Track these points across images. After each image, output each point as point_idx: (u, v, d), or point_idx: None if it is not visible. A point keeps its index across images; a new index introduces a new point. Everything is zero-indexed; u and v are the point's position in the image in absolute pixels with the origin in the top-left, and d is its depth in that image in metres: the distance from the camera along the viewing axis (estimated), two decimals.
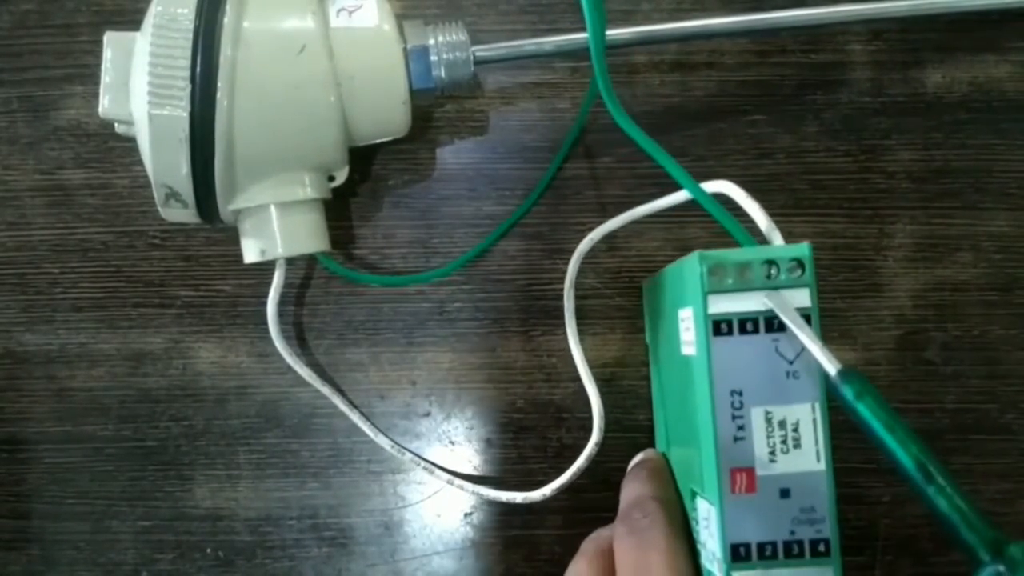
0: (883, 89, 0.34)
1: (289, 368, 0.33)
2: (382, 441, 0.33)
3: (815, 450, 0.21)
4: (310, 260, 0.33)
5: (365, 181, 0.34)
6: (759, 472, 0.21)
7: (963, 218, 0.33)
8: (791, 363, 0.21)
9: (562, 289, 0.33)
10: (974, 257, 0.33)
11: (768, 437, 0.21)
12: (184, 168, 0.26)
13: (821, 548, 0.21)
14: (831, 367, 0.20)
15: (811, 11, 0.31)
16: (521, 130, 0.34)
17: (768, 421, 0.21)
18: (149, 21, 0.26)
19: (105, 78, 0.27)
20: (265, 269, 0.32)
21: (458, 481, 0.32)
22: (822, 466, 0.21)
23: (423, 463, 0.33)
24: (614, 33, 0.30)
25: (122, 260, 0.34)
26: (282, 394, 0.33)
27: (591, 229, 0.32)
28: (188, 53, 0.26)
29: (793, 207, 0.33)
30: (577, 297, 0.33)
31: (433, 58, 0.29)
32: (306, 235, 0.30)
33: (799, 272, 0.21)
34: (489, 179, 0.34)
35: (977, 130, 0.34)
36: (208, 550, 0.33)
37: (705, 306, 0.21)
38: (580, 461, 0.31)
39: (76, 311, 0.34)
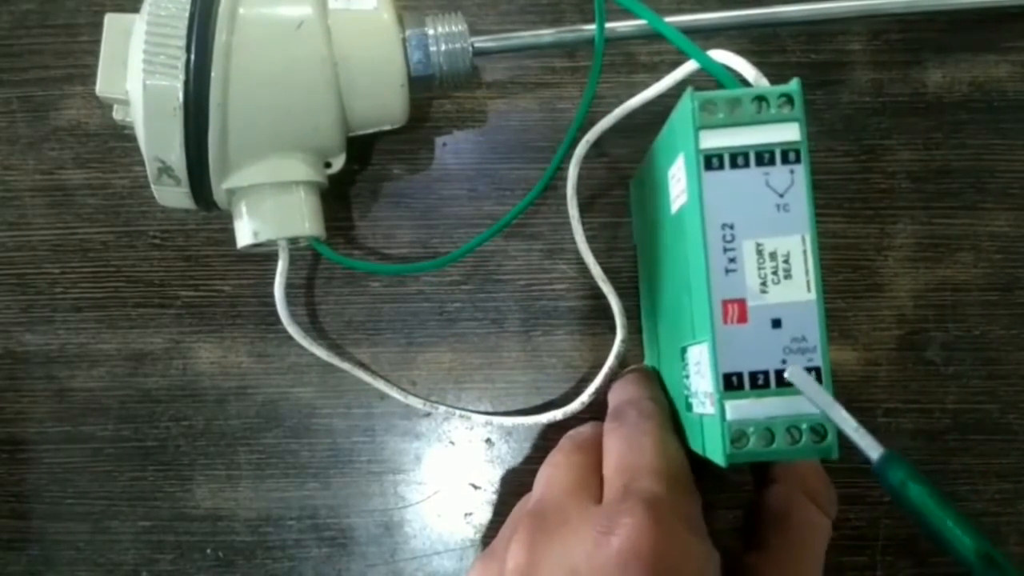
0: (883, 89, 0.34)
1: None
2: (412, 402, 0.32)
3: (805, 280, 0.21)
4: (311, 261, 0.33)
5: (365, 182, 0.34)
6: (750, 303, 0.21)
7: (964, 218, 0.33)
8: (781, 196, 0.21)
9: (562, 289, 0.33)
10: (975, 257, 0.33)
11: (759, 269, 0.21)
12: (177, 140, 0.26)
13: (813, 376, 0.21)
14: (873, 452, 0.20)
15: (812, 6, 0.31)
16: (521, 130, 0.34)
17: (759, 253, 0.21)
18: None
19: (103, 57, 0.27)
20: (265, 268, 0.32)
21: (497, 419, 0.32)
22: (813, 296, 0.21)
23: (458, 411, 0.33)
24: (614, 26, 0.30)
25: (122, 260, 0.34)
26: (282, 394, 0.33)
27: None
28: (185, 23, 0.26)
29: None
30: (577, 297, 0.33)
31: (432, 48, 0.29)
32: (301, 217, 0.29)
33: (788, 108, 0.21)
34: (489, 179, 0.34)
35: (977, 130, 0.34)
36: (208, 550, 0.33)
37: (697, 141, 0.21)
38: (610, 360, 0.31)
39: (76, 311, 0.34)
